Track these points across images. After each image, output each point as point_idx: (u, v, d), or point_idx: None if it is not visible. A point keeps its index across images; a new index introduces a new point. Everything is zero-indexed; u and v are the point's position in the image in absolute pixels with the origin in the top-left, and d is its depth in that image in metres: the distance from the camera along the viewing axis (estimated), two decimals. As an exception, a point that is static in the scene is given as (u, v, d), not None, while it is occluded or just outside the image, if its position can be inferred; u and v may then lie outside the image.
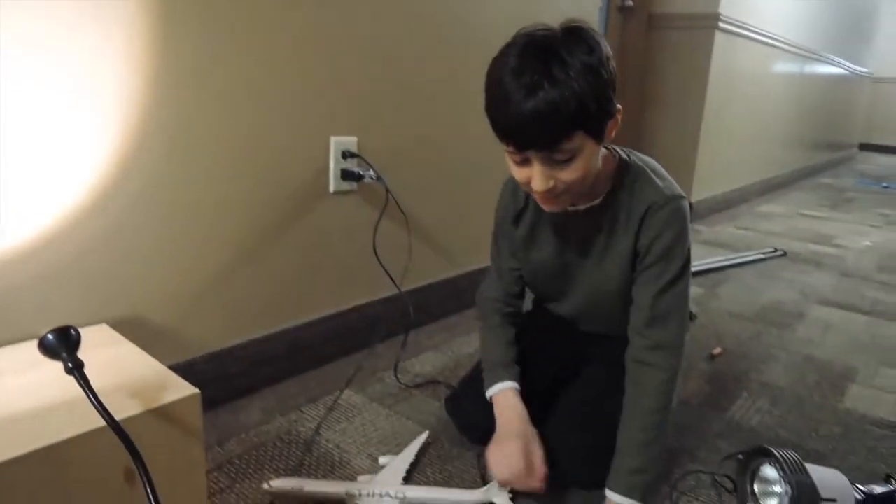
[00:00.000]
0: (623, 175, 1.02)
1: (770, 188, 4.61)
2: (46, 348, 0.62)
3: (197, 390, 0.70)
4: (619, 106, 0.90)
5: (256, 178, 1.29)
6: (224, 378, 1.30)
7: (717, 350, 1.71)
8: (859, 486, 1.09)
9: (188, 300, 1.23)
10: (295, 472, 1.11)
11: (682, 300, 1.02)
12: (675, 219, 0.99)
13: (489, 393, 1.12)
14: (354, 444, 1.21)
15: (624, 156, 1.04)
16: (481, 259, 1.20)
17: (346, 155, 1.44)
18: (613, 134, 0.93)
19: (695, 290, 2.24)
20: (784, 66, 4.41)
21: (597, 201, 1.02)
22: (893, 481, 1.13)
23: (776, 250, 2.86)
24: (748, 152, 4.10)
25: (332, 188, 1.44)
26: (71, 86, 0.98)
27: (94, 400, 0.59)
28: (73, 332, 0.63)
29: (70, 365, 0.61)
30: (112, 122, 1.04)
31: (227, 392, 1.32)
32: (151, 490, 0.58)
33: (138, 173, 1.10)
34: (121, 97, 1.04)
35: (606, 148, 1.02)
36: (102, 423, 0.62)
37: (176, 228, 1.17)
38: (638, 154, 1.07)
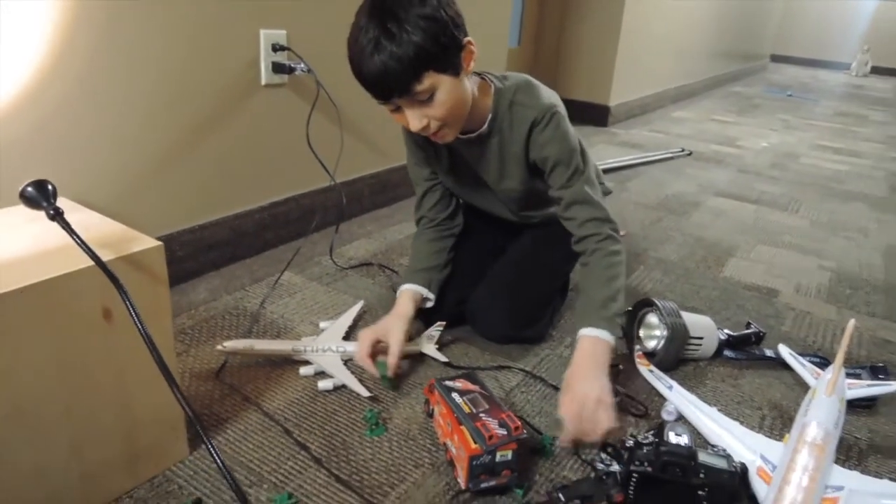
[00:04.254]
0: (499, 102, 1.14)
1: (684, 95, 4.84)
2: (28, 199, 0.70)
3: (160, 242, 0.80)
4: (467, 39, 1.01)
5: (190, 69, 1.33)
6: (171, 261, 1.38)
7: (622, 233, 1.90)
8: (726, 330, 1.32)
9: (129, 187, 1.29)
10: (245, 337, 1.24)
11: (589, 183, 1.16)
12: (556, 129, 1.13)
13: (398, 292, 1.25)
14: (297, 314, 1.34)
15: (499, 84, 1.16)
16: (410, 154, 1.32)
17: (276, 48, 1.49)
18: (472, 64, 1.04)
19: (607, 184, 2.43)
20: (701, -26, 4.55)
21: (483, 130, 1.15)
22: (752, 326, 1.37)
23: (683, 150, 3.09)
24: (664, 61, 4.27)
25: (263, 81, 1.49)
26: (1, -31, 0.99)
27: (78, 240, 0.68)
28: (49, 184, 0.71)
29: (52, 212, 0.70)
30: (41, 16, 1.07)
31: (175, 274, 1.40)
32: (137, 315, 0.69)
33: (71, 65, 1.13)
34: (52, -18, 1.07)
35: (482, 78, 1.15)
36: (84, 264, 0.71)
37: (110, 118, 1.22)
38: (511, 76, 1.18)
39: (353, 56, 0.98)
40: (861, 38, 8.52)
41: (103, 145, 1.22)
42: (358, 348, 1.12)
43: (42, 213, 0.76)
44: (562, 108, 1.15)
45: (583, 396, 0.96)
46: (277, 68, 1.50)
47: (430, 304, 1.25)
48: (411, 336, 1.26)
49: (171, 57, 1.29)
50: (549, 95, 1.17)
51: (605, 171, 2.61)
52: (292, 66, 1.50)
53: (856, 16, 8.65)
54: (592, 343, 1.05)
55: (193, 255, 1.44)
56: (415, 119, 1.02)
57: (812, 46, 8.95)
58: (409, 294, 1.21)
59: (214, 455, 0.66)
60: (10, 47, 1.04)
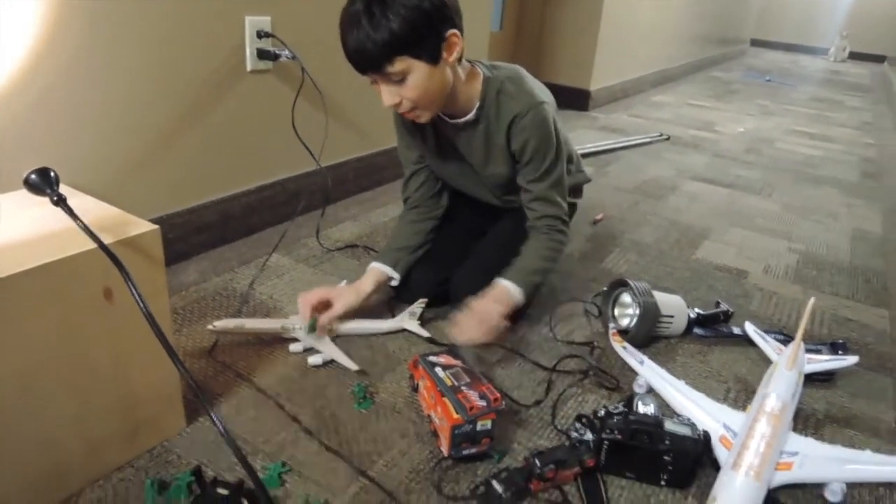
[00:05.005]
0: (487, 91, 1.19)
1: (664, 80, 4.90)
2: (32, 185, 0.73)
3: (157, 226, 0.84)
4: (452, 31, 1.05)
5: (176, 55, 1.36)
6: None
7: (599, 216, 1.97)
8: (696, 309, 1.39)
9: (118, 172, 1.32)
10: (235, 317, 1.28)
11: (558, 182, 1.23)
12: (537, 125, 1.18)
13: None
14: (285, 295, 1.38)
15: (488, 73, 1.20)
16: (394, 139, 1.37)
17: (260, 34, 1.51)
18: (455, 55, 1.08)
19: (587, 169, 2.49)
20: (682, -41, 4.58)
21: (470, 117, 1.20)
22: (721, 305, 1.44)
23: (661, 135, 3.16)
24: (645, 45, 4.32)
25: (249, 67, 1.52)
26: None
27: (81, 225, 0.72)
28: (52, 172, 0.75)
29: (56, 198, 0.73)
30: (27, 6, 1.09)
31: (165, 256, 1.44)
32: (139, 295, 0.73)
33: (57, 54, 1.16)
34: (42, -30, 1.09)
35: (473, 64, 1.19)
36: (86, 247, 0.75)
37: (97, 105, 1.25)
38: (502, 66, 1.23)
39: (340, 24, 1.03)
40: (840, 23, 8.63)
41: (91, 131, 1.25)
42: (306, 295, 1.20)
43: (37, 198, 0.79)
44: (548, 105, 1.20)
45: (477, 309, 1.12)
46: (262, 55, 1.52)
47: (394, 283, 1.32)
48: (393, 312, 1.31)
49: (157, 43, 1.31)
50: (537, 89, 1.21)
51: (585, 155, 2.67)
52: (277, 52, 1.52)
53: (835, 1, 8.75)
54: (506, 291, 1.19)
55: (183, 237, 1.47)
56: (387, 95, 1.08)
57: (792, 31, 9.05)
58: (375, 273, 1.29)
59: (216, 423, 0.70)
60: None
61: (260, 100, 1.57)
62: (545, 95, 1.22)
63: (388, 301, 1.37)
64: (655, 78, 4.70)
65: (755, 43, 8.89)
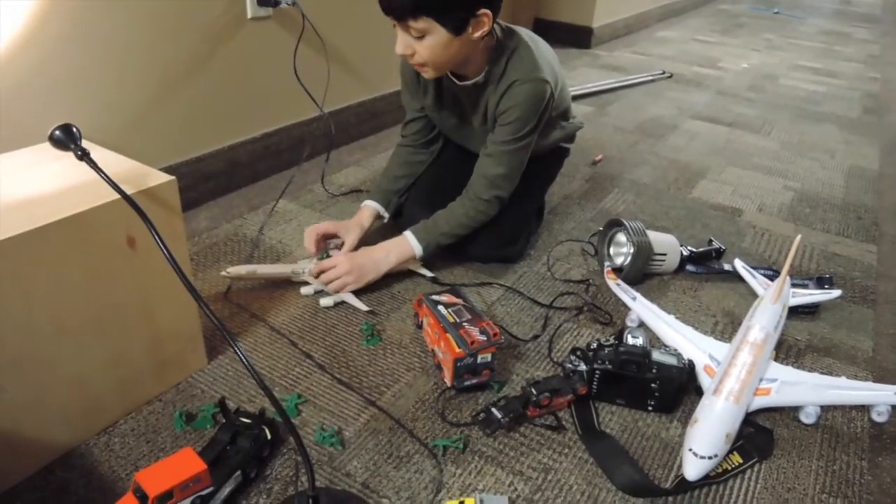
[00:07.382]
0: (499, 56, 1.21)
1: (669, 14, 4.80)
2: (56, 141, 0.78)
3: (173, 177, 0.89)
4: (483, 11, 1.08)
5: (178, 6, 1.37)
6: (171, 192, 1.47)
7: (599, 157, 2.00)
8: (689, 247, 1.44)
9: (125, 124, 1.36)
10: (247, 263, 1.34)
11: (516, 156, 1.26)
12: (529, 98, 1.20)
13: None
14: (294, 240, 1.44)
15: (502, 37, 1.22)
16: (395, 83, 1.40)
17: (261, -19, 1.52)
18: (480, 33, 1.11)
19: (586, 108, 2.50)
20: None
21: (479, 78, 1.23)
22: (713, 242, 1.49)
23: (664, 72, 3.13)
24: (650, -23, 4.22)
25: (249, 14, 1.53)
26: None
27: (106, 178, 0.77)
28: (74, 128, 0.79)
29: (80, 152, 0.78)
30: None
31: (176, 204, 1.49)
32: (161, 241, 0.78)
33: (63, 9, 1.17)
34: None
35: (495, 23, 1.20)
36: (110, 198, 0.80)
37: (101, 59, 1.28)
38: (518, 33, 1.24)
39: None
40: (853, -51, 8.31)
41: (95, 85, 1.28)
42: (314, 228, 1.30)
43: (55, 152, 0.83)
44: (549, 86, 1.21)
45: (361, 258, 1.23)
46: (263, 1, 1.53)
47: (384, 221, 1.42)
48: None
49: (160, -7, 1.33)
50: (545, 64, 1.22)
51: (586, 95, 2.67)
52: (277, -2, 1.53)
53: (849, -75, 8.39)
54: (407, 246, 1.26)
55: (192, 185, 1.52)
56: (401, 44, 1.13)
57: (803, -41, 8.72)
58: (370, 211, 1.39)
59: (239, 353, 0.76)
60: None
61: (261, 47, 1.59)
62: (550, 73, 1.23)
63: (384, 233, 1.42)
64: (661, 12, 4.60)
65: (765, -28, 8.60)
